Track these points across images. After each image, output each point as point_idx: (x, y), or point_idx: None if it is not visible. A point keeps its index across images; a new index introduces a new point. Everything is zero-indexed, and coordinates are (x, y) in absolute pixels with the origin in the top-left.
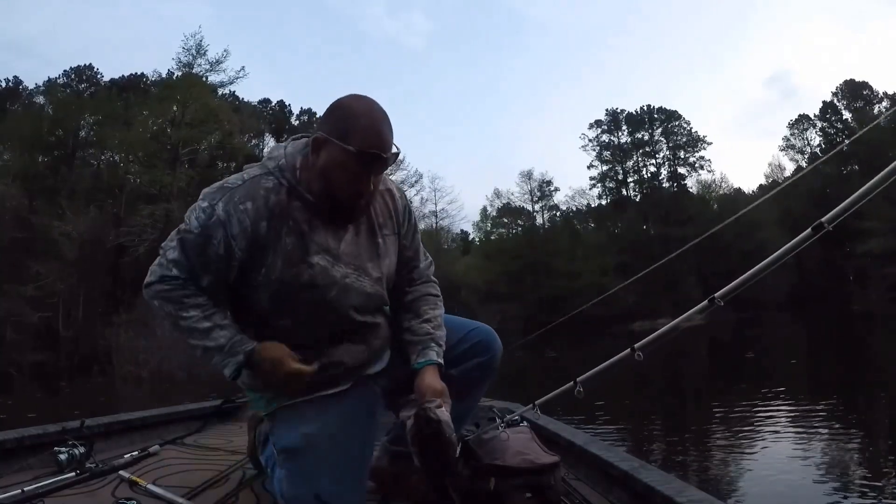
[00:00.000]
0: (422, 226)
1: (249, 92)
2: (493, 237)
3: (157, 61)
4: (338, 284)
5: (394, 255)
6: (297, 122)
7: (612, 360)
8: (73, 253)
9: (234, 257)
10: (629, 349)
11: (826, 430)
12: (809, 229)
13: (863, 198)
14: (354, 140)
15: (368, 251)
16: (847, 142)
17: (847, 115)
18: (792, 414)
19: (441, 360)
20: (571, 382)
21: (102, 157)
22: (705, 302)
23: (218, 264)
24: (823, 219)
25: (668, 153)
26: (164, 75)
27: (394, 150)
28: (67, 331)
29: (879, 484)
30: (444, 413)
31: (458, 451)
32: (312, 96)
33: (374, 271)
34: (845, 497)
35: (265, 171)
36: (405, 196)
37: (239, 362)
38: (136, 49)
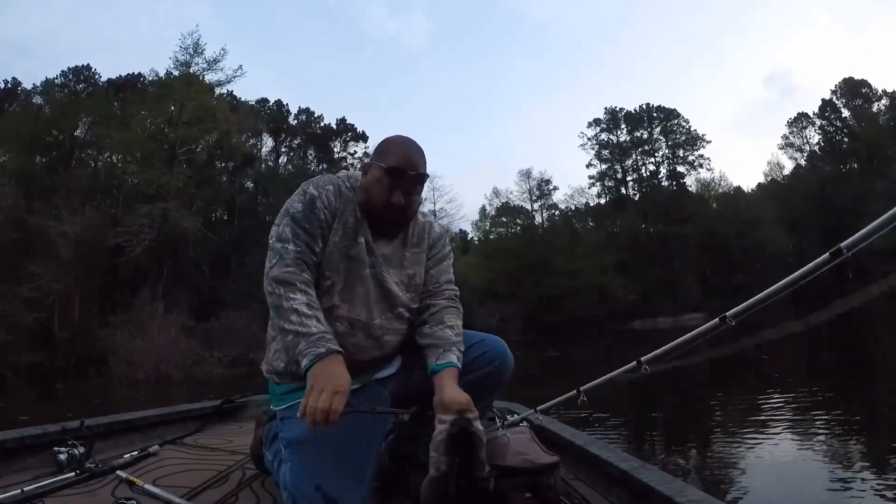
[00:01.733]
0: None
1: (248, 91)
2: (491, 236)
3: (155, 61)
4: (369, 268)
5: (419, 269)
6: (295, 121)
7: (617, 371)
8: (70, 253)
9: (327, 224)
10: (635, 362)
11: (826, 429)
12: (827, 254)
13: (887, 224)
14: (388, 159)
15: (395, 258)
16: None
17: (846, 112)
18: (792, 412)
19: (460, 366)
20: (575, 391)
21: (101, 158)
22: (716, 320)
23: (324, 229)
24: (843, 244)
25: (667, 152)
26: (161, 75)
27: (423, 171)
28: (64, 332)
29: (880, 482)
30: (480, 427)
31: (486, 468)
32: (312, 96)
33: (395, 276)
34: (846, 495)
35: (336, 177)
36: (445, 235)
37: (319, 353)
38: (134, 49)
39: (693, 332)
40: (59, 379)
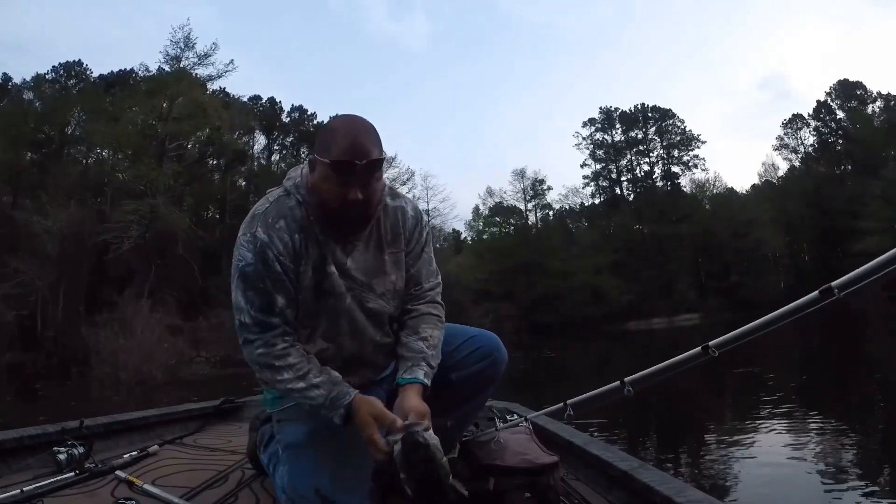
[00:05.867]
0: None
1: (241, 88)
2: (485, 236)
3: (147, 57)
4: (346, 295)
5: (401, 271)
6: (288, 119)
7: (601, 389)
8: (55, 249)
9: (287, 271)
10: (619, 382)
11: (824, 429)
12: (817, 293)
13: (884, 266)
14: (331, 153)
15: (374, 267)
16: None
17: (841, 114)
18: (789, 413)
19: (427, 382)
20: (562, 404)
21: (90, 154)
22: (698, 349)
23: (281, 281)
24: (834, 284)
25: (661, 152)
26: (152, 70)
27: (376, 156)
28: (48, 330)
29: (877, 482)
30: (432, 436)
31: (450, 475)
32: (305, 94)
33: (379, 287)
34: (844, 495)
35: (285, 192)
36: (420, 215)
37: (342, 416)
38: (128, 47)
39: (677, 358)
40: (40, 379)
